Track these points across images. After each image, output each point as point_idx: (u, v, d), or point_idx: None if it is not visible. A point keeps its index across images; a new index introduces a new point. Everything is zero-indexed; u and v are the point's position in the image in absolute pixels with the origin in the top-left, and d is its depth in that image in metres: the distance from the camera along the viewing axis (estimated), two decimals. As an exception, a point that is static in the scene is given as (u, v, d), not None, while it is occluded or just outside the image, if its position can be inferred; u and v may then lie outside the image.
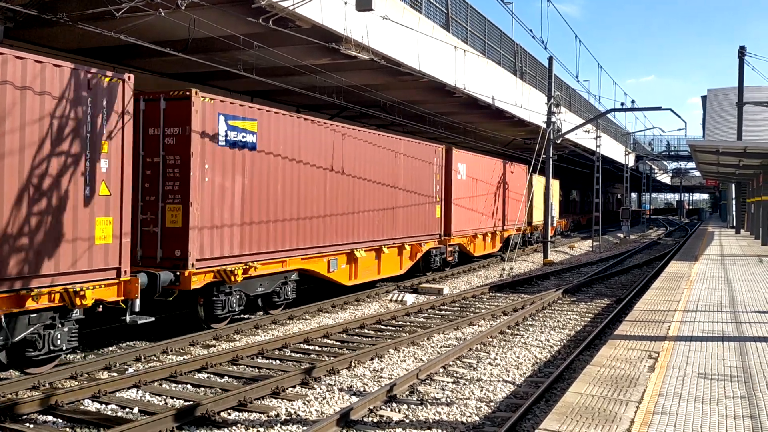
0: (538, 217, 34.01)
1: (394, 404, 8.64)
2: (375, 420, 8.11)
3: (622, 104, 48.86)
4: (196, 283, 11.87)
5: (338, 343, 12.38)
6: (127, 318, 10.48)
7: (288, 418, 8.19)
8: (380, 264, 18.19)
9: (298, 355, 11.39)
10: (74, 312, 9.71)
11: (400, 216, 19.29)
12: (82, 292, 9.56)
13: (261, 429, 7.81)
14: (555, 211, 37.50)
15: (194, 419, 7.95)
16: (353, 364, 10.61)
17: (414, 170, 20.26)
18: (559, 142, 30.16)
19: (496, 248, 28.15)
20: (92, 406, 8.55)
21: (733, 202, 49.50)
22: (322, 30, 14.72)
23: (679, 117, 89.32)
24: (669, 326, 10.56)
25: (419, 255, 20.42)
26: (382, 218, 18.43)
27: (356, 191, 17.08)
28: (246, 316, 14.33)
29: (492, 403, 8.86)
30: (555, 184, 37.98)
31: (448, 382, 9.76)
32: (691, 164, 72.95)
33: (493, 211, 27.64)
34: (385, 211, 18.62)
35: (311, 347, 12.04)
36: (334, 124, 16.72)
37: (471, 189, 24.70)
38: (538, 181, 32.84)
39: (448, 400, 8.94)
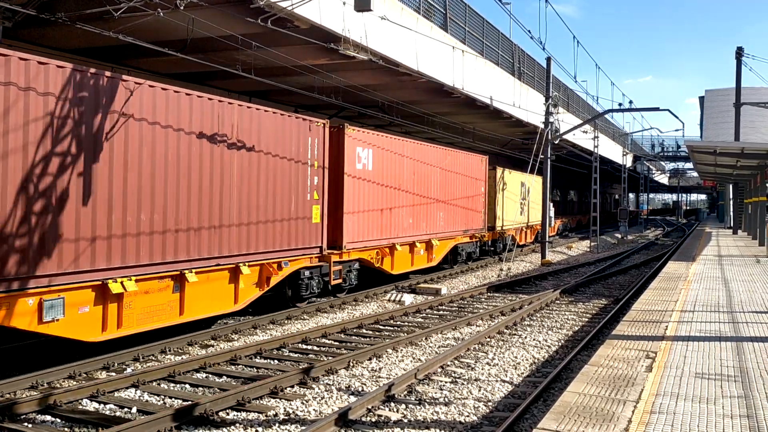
0: (509, 219, 30.32)
1: (392, 404, 8.66)
2: (373, 420, 8.13)
3: (620, 104, 48.99)
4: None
5: (336, 343, 12.40)
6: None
7: (286, 417, 8.20)
8: (183, 305, 11.77)
9: (296, 355, 11.40)
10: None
11: (234, 223, 12.90)
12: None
13: (259, 428, 7.82)
14: (535, 211, 35.84)
15: (193, 419, 7.97)
16: (351, 364, 10.62)
17: (261, 157, 13.67)
18: (557, 142, 30.19)
19: (433, 262, 21.89)
20: (91, 406, 8.56)
21: (731, 202, 49.59)
22: (321, 30, 14.74)
23: (677, 117, 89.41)
24: (666, 326, 10.59)
25: (276, 279, 14.12)
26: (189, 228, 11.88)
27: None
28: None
29: (490, 403, 8.88)
30: (536, 182, 35.00)
31: (446, 382, 9.77)
32: (689, 165, 73.04)
33: (430, 214, 21.72)
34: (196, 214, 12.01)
35: (309, 347, 12.06)
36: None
37: (382, 184, 18.60)
38: (517, 178, 31.68)
39: (446, 399, 8.96)
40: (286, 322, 14.45)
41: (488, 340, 12.74)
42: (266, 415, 8.22)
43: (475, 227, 25.49)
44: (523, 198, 33.34)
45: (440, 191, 22.47)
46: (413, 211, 20.53)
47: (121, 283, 10.51)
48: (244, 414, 8.29)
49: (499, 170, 28.25)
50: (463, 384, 9.70)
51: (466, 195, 24.66)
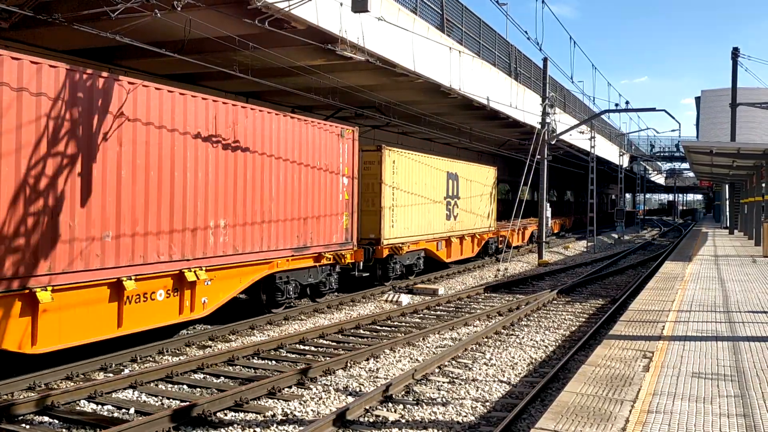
0: (413, 228, 21.20)
1: (390, 404, 8.67)
2: (371, 420, 8.14)
3: (617, 105, 49.01)
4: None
5: (334, 344, 12.40)
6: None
7: (284, 418, 8.21)
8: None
9: (294, 356, 11.40)
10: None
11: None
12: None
13: (257, 429, 7.83)
14: (481, 214, 28.14)
15: (191, 419, 7.97)
16: (349, 365, 10.63)
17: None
18: (553, 143, 30.24)
19: (194, 314, 12.45)
20: (88, 407, 8.56)
21: (727, 202, 49.72)
22: (318, 31, 14.75)
23: (673, 118, 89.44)
24: (663, 326, 10.61)
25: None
26: None
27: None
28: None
29: (488, 403, 8.89)
30: (480, 173, 28.17)
31: (443, 382, 9.79)
32: (685, 165, 73.24)
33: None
34: None
35: (307, 347, 12.06)
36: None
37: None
38: (435, 167, 23.09)
39: (444, 400, 8.97)
40: (283, 322, 14.45)
41: (486, 340, 12.76)
42: (264, 416, 8.23)
43: (322, 242, 15.73)
44: (451, 195, 24.35)
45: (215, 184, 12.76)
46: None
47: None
48: (242, 414, 8.29)
49: (386, 151, 19.13)
50: (460, 384, 9.72)
51: (309, 189, 15.43)
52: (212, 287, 12.56)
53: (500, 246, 29.91)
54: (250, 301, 15.45)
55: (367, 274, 19.91)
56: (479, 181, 27.87)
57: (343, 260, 16.63)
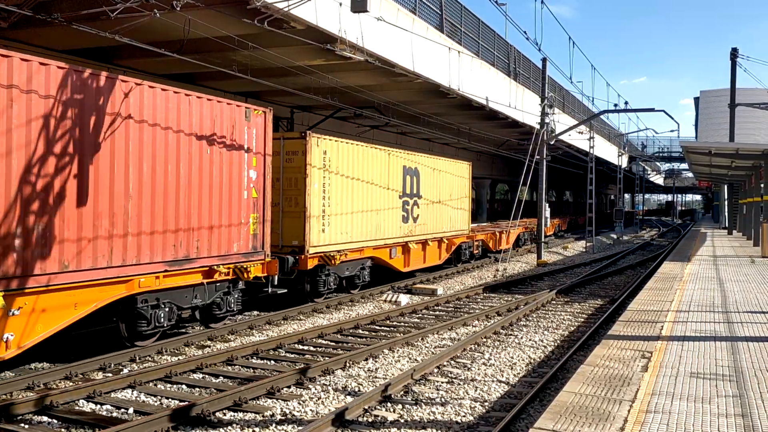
0: (354, 233, 17.65)
1: (388, 404, 8.67)
2: (370, 420, 8.14)
3: (616, 105, 49.06)
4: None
5: (333, 344, 12.41)
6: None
7: (283, 418, 8.21)
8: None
9: (292, 356, 11.40)
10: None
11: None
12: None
13: (256, 429, 7.83)
14: (454, 216, 24.72)
15: (190, 419, 7.97)
16: (348, 365, 10.63)
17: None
18: (552, 143, 30.26)
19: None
20: (87, 407, 8.56)
21: (726, 203, 49.77)
22: (317, 31, 14.76)
23: (672, 118, 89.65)
24: (662, 326, 10.63)
25: None
26: None
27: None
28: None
29: (486, 403, 8.90)
30: (451, 167, 24.67)
31: (442, 382, 9.79)
32: (684, 165, 73.32)
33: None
34: None
35: (306, 347, 12.06)
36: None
37: None
38: (387, 159, 19.43)
39: (443, 400, 8.98)
40: (282, 322, 14.45)
41: (484, 340, 12.77)
42: (263, 416, 8.23)
43: (215, 253, 12.58)
44: (410, 194, 20.89)
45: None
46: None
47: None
48: (241, 414, 8.29)
49: (313, 139, 15.69)
50: (459, 384, 9.72)
51: (195, 184, 12.21)
52: (22, 319, 9.22)
53: (476, 252, 26.61)
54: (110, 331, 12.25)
55: (285, 290, 14.76)
56: (450, 177, 24.30)
57: (246, 275, 12.99)
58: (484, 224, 36.93)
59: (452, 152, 44.14)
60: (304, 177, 15.64)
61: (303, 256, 15.54)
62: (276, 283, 14.14)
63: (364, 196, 18.12)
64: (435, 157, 23.57)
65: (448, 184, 24.04)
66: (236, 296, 13.31)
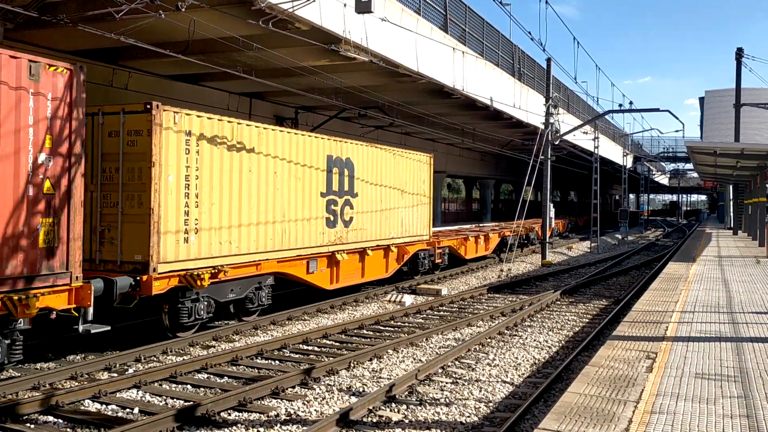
0: (237, 242, 13.38)
1: (393, 404, 8.68)
2: (374, 420, 8.15)
3: (620, 105, 49.03)
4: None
5: (337, 344, 12.42)
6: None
7: (288, 418, 8.23)
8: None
9: (297, 356, 11.42)
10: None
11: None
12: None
13: (261, 429, 7.85)
14: (410, 214, 20.81)
15: (194, 419, 7.99)
16: (352, 365, 10.65)
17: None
18: (557, 143, 30.23)
19: None
20: (93, 407, 8.58)
21: (731, 203, 49.63)
22: (322, 32, 14.78)
23: (677, 118, 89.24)
24: (667, 327, 10.61)
25: None
26: None
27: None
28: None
29: (491, 404, 8.90)
30: (420, 163, 21.52)
31: (446, 383, 9.80)
32: (689, 165, 73.12)
33: None
34: None
35: (310, 348, 12.08)
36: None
37: None
38: (306, 145, 15.42)
39: (447, 400, 8.98)
40: (287, 323, 14.47)
41: (489, 340, 12.76)
42: (268, 416, 8.25)
43: None
44: (338, 191, 16.79)
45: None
46: None
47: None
48: (245, 414, 8.31)
49: (167, 115, 11.67)
50: (463, 385, 9.73)
51: None
52: None
53: (439, 261, 22.71)
54: None
55: (106, 328, 10.31)
56: (402, 172, 20.24)
57: (22, 311, 8.79)
58: (459, 227, 32.96)
59: (457, 152, 44.14)
60: (149, 167, 11.34)
61: (146, 277, 11.22)
62: (90, 318, 9.92)
63: (262, 193, 13.94)
64: (377, 146, 19.15)
65: (399, 180, 19.93)
66: (5, 345, 8.98)
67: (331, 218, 16.47)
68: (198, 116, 12.42)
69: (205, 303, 12.60)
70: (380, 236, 18.84)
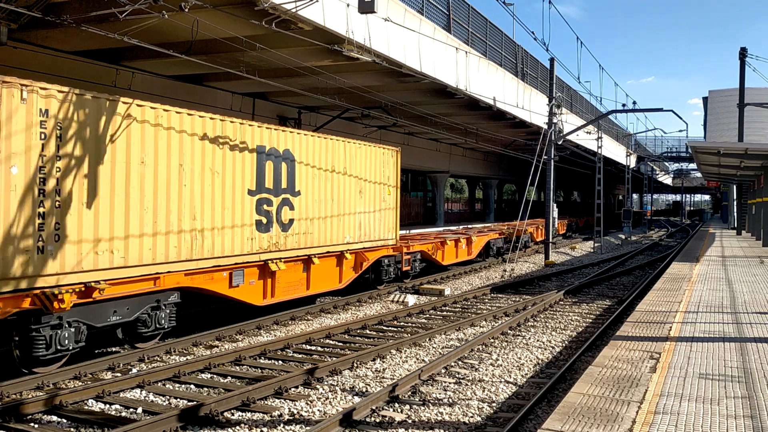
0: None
1: (396, 404, 8.68)
2: (377, 420, 8.16)
3: (624, 105, 48.91)
4: None
5: (340, 344, 12.43)
6: None
7: (291, 418, 8.24)
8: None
9: (300, 356, 11.43)
10: None
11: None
12: None
13: (264, 429, 7.85)
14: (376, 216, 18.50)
15: (198, 419, 8.00)
16: (355, 365, 10.65)
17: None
18: (560, 143, 30.19)
19: None
20: (96, 407, 8.60)
21: (734, 203, 49.53)
22: (325, 32, 14.79)
23: (681, 118, 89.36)
24: (670, 327, 10.59)
25: None
26: None
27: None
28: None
29: (494, 404, 8.89)
30: (384, 158, 18.89)
31: (450, 383, 9.79)
32: (693, 165, 73.01)
33: None
34: None
35: (313, 348, 12.09)
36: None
37: None
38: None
39: (450, 400, 8.98)
40: (290, 322, 14.48)
41: (492, 341, 12.76)
42: (271, 416, 8.26)
43: None
44: (274, 189, 14.38)
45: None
46: None
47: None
48: (249, 414, 8.32)
49: (8, 90, 9.10)
50: (467, 385, 9.72)
51: None
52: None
53: (407, 269, 20.04)
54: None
55: None
56: (360, 168, 17.66)
57: None
58: (436, 230, 29.91)
59: (460, 152, 44.13)
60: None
61: None
62: None
63: (161, 190, 11.53)
64: (327, 137, 16.41)
65: (355, 177, 17.46)
66: None
67: (264, 221, 13.98)
68: (61, 91, 9.83)
69: (72, 329, 9.94)
70: (331, 241, 16.33)
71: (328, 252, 16.18)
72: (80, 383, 9.56)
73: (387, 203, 19.11)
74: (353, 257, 17.29)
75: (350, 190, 17.22)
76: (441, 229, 31.69)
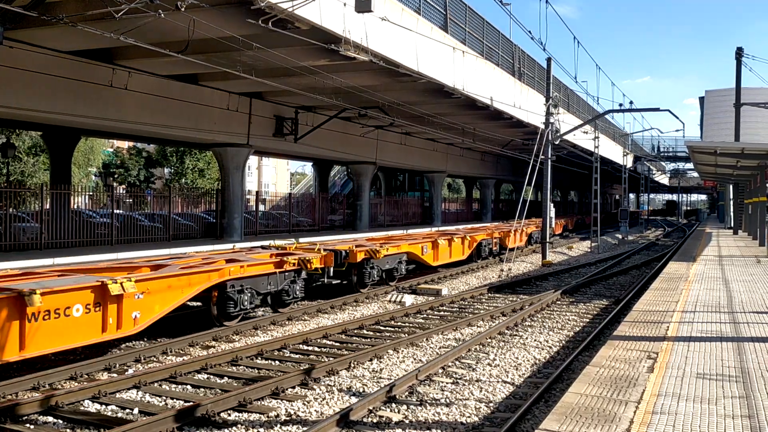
0: None
1: (393, 405, 8.66)
2: (374, 420, 8.13)
3: (620, 105, 48.97)
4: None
5: (337, 344, 12.40)
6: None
7: (288, 418, 8.21)
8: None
9: (297, 356, 11.40)
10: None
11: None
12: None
13: (261, 429, 7.83)
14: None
15: (194, 420, 7.97)
16: (352, 365, 10.63)
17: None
18: (557, 143, 30.20)
19: None
20: (92, 407, 8.57)
21: (731, 203, 49.60)
22: (321, 31, 14.77)
23: (677, 118, 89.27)
24: (668, 327, 10.59)
25: None
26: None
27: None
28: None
29: (491, 404, 8.88)
30: None
31: (447, 383, 9.78)
32: (689, 165, 73.10)
33: None
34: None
35: (310, 348, 12.06)
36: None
37: None
38: None
39: (448, 400, 8.96)
40: (287, 323, 14.46)
41: (489, 340, 12.74)
42: (268, 416, 8.23)
43: None
44: None
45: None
46: None
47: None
48: (245, 415, 8.29)
49: None
50: (464, 385, 9.71)
51: None
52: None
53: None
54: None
55: None
56: None
57: None
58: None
59: (457, 152, 44.09)
60: None
61: None
62: None
63: None
64: None
65: None
66: None
67: None
68: None
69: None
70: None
71: None
72: (76, 384, 9.52)
73: None
74: None
75: None
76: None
